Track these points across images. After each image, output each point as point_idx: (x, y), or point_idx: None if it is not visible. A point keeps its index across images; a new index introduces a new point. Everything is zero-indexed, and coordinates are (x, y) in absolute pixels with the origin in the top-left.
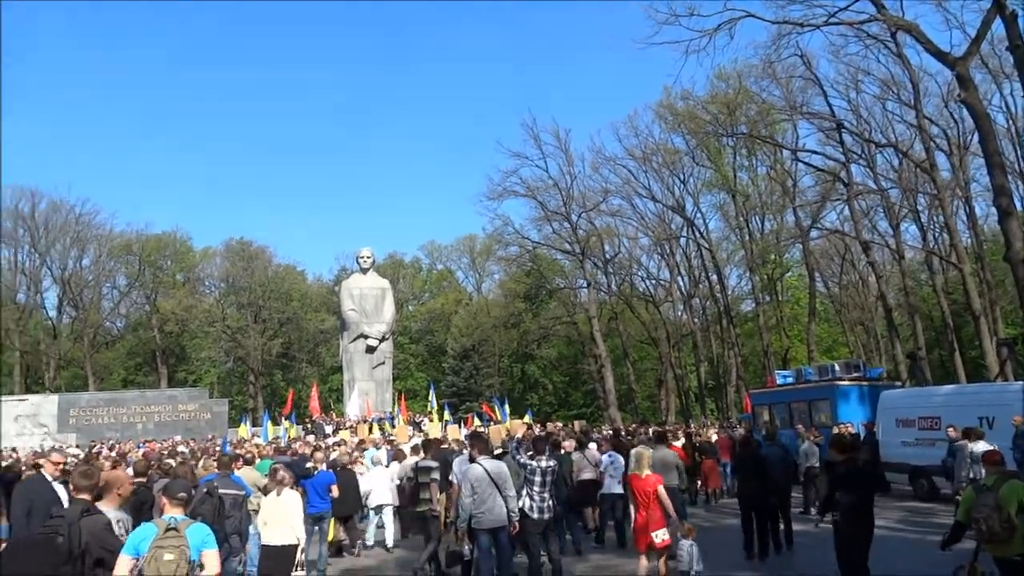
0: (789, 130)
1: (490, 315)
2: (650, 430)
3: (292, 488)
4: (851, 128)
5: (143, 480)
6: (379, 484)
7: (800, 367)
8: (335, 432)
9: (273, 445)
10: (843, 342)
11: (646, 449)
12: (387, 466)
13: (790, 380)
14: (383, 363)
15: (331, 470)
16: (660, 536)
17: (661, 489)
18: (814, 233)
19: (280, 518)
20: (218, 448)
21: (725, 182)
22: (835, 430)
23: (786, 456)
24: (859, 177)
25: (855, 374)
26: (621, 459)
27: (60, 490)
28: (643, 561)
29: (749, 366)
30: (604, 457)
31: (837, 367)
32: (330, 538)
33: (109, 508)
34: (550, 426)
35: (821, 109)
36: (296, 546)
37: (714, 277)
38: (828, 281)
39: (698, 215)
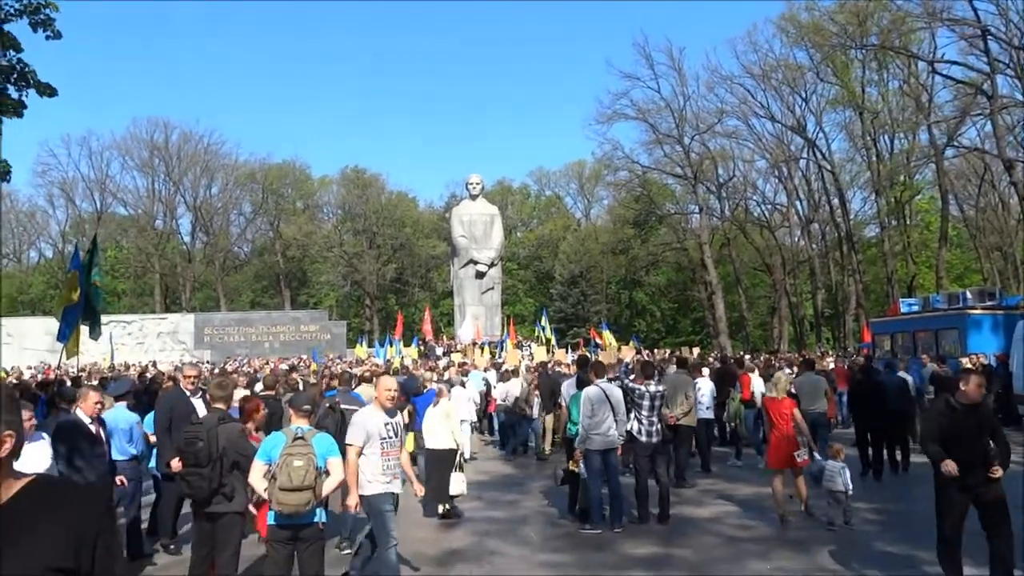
0: (926, 40)
1: (598, 241)
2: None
3: (443, 399)
4: (998, 34)
5: (272, 393)
6: (458, 403)
7: (928, 295)
8: (446, 355)
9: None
10: (976, 269)
11: (783, 373)
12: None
13: (916, 308)
14: (492, 288)
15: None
16: (801, 456)
17: (797, 412)
18: (950, 151)
19: (440, 426)
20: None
21: (852, 98)
22: (964, 361)
23: (905, 385)
24: (1005, 89)
25: (989, 302)
26: (707, 385)
27: (196, 403)
28: (777, 482)
29: (871, 294)
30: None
31: (969, 295)
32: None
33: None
34: (658, 354)
35: (965, 14)
36: (456, 450)
37: (835, 201)
38: (963, 204)
39: (820, 135)
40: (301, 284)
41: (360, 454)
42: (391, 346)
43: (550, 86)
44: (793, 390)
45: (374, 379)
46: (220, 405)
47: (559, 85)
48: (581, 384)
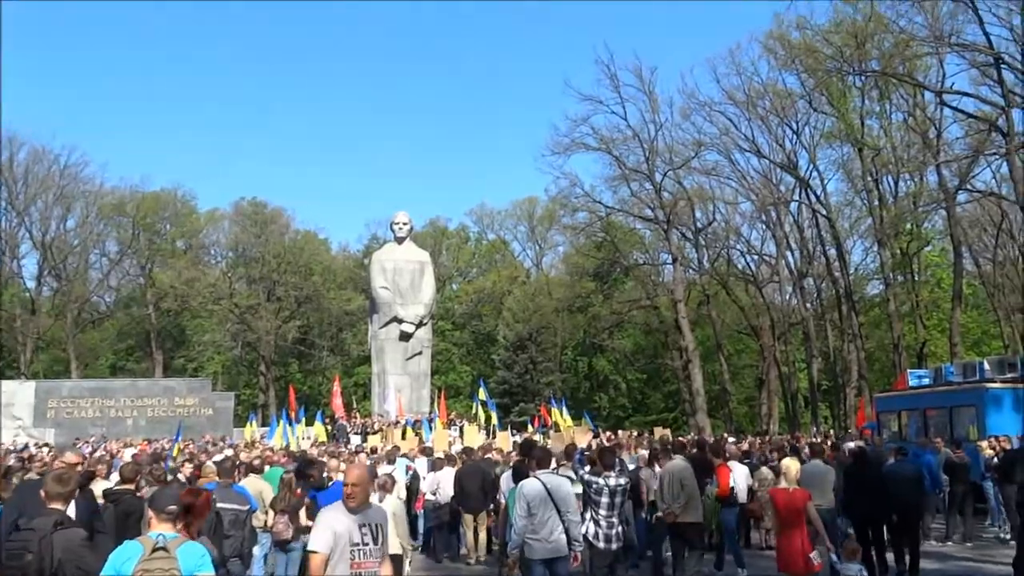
0: (934, 67)
1: (552, 297)
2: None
3: (386, 493)
4: (1013, 63)
5: (131, 488)
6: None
7: (940, 365)
8: (362, 436)
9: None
10: (995, 334)
11: (794, 461)
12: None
13: (926, 381)
14: (420, 353)
15: None
16: (815, 559)
17: (811, 506)
18: (962, 196)
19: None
20: (226, 446)
21: (850, 132)
22: (983, 445)
23: (917, 473)
24: (1022, 125)
25: (1010, 374)
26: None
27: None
28: None
29: (874, 363)
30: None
31: (987, 365)
32: None
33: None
34: (622, 435)
35: (975, 39)
36: (400, 556)
37: (832, 251)
38: (979, 257)
39: (814, 174)
40: (178, 344)
41: (326, 566)
42: (288, 425)
43: (496, 108)
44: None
45: (266, 468)
46: (58, 505)
47: (507, 107)
48: (519, 476)
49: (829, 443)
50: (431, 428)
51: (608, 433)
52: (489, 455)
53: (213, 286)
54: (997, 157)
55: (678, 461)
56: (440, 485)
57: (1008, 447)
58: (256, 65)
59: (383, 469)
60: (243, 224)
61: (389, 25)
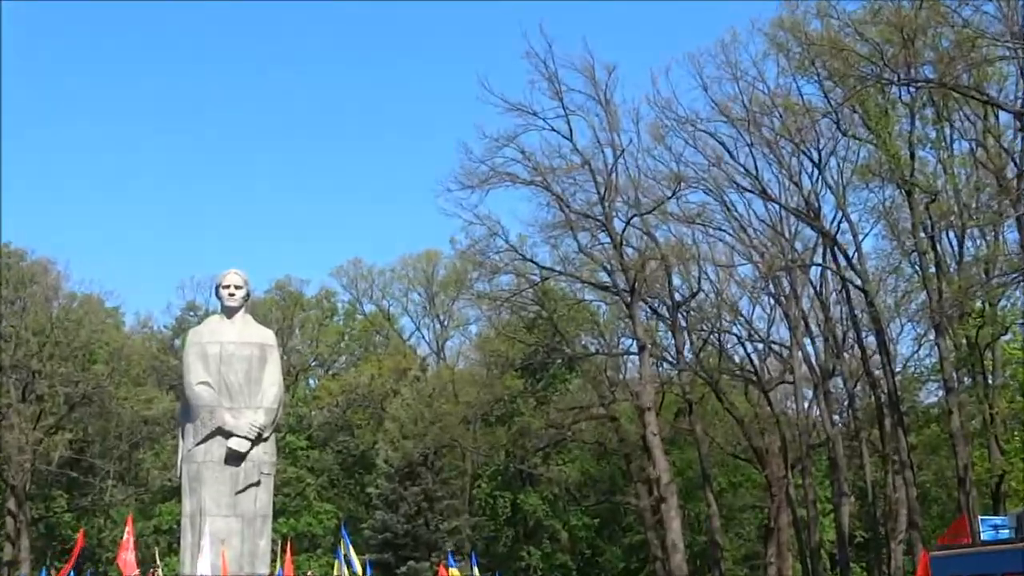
0: (1012, 76)
1: (459, 400)
2: None
3: None
4: None
5: None
6: None
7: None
8: None
9: None
10: None
11: None
12: None
13: (1005, 533)
14: (257, 484)
15: None
16: None
17: None
18: None
19: None
20: None
21: (894, 167)
22: None
23: None
24: None
25: None
26: None
27: None
28: None
29: (931, 505)
30: None
31: None
32: None
33: None
34: None
35: None
36: None
37: (871, 339)
38: None
39: (844, 226)
40: None
41: None
42: None
43: (376, 120)
44: None
45: None
46: None
47: (396, 121)
48: None
49: None
50: None
51: None
52: None
53: None
54: None
55: None
56: None
57: None
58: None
59: None
60: None
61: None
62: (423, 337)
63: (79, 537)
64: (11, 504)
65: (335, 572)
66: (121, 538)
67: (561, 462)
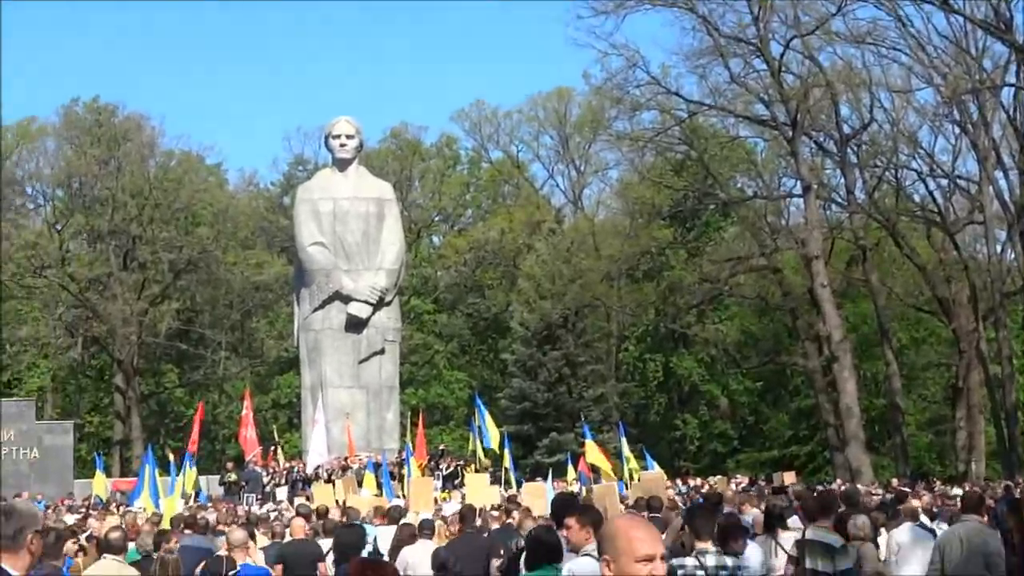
0: None
1: (600, 255)
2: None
3: None
4: None
5: None
6: None
7: None
8: (290, 489)
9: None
10: None
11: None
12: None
13: None
14: (381, 352)
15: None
16: None
17: None
18: None
19: None
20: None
21: None
22: None
23: None
24: None
25: None
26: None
27: None
28: None
29: None
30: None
31: None
32: None
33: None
34: (717, 483)
35: None
36: None
37: None
38: None
39: None
40: None
41: None
42: (179, 474)
43: None
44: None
45: (130, 546)
46: None
47: None
48: (542, 554)
49: None
50: (403, 478)
51: (698, 480)
52: (507, 521)
53: (32, 246)
54: None
55: (972, 524)
56: (412, 567)
57: None
58: None
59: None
60: (79, 142)
61: None
62: (557, 185)
63: (199, 408)
64: (119, 380)
65: (470, 446)
66: (239, 413)
67: (718, 320)
